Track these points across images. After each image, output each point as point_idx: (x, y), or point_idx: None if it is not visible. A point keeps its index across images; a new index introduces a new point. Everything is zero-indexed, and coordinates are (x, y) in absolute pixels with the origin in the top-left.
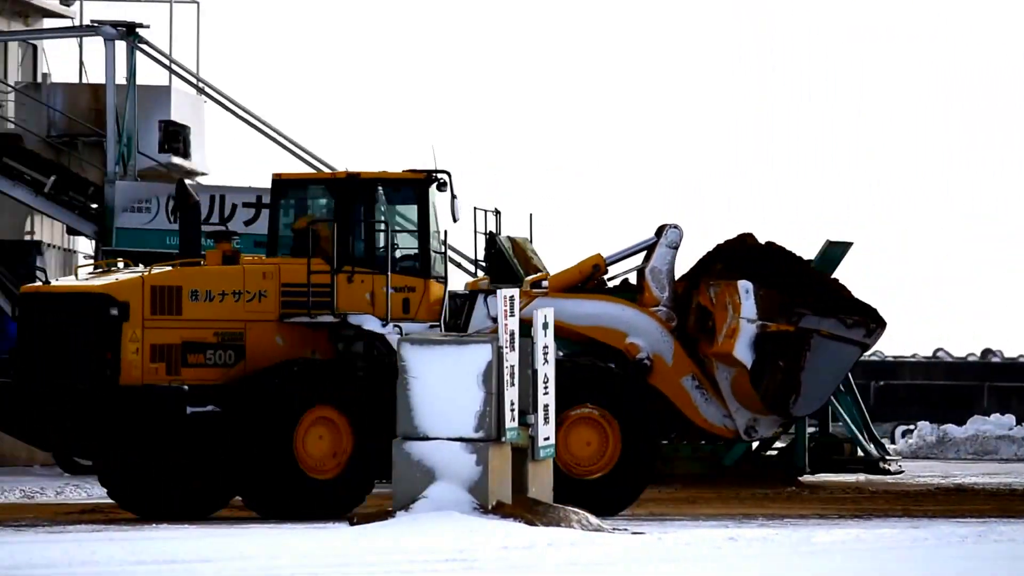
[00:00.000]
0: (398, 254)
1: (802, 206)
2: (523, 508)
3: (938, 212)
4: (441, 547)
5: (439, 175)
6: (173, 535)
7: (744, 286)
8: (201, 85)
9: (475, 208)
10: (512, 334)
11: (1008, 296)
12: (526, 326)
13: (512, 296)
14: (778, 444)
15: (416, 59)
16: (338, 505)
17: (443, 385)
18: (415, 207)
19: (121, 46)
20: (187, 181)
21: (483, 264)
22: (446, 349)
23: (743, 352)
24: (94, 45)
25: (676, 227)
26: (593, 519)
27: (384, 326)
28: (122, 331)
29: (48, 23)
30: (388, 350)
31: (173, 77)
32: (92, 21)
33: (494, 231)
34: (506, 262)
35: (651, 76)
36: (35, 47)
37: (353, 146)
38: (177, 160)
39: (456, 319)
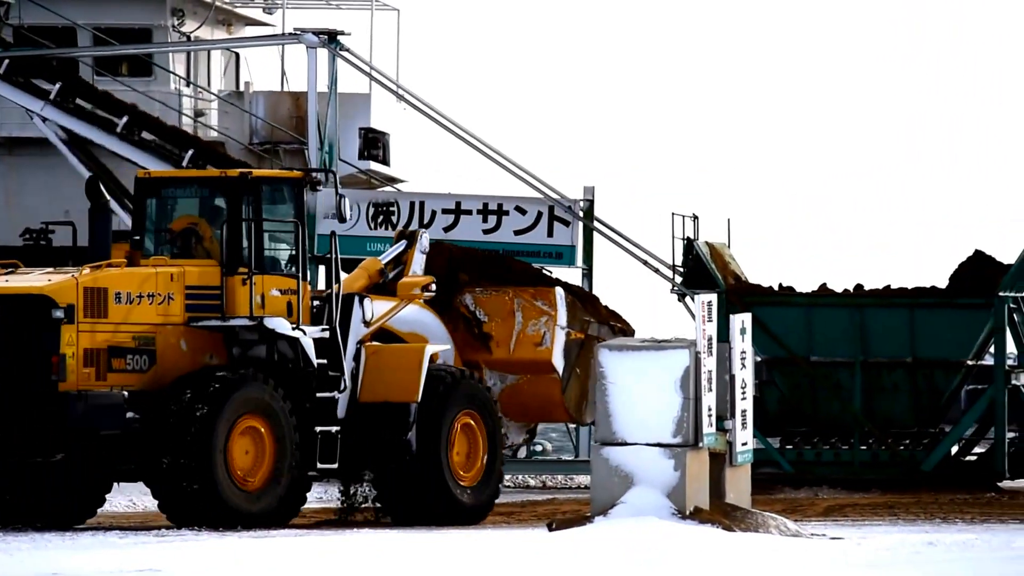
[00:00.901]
0: (283, 256)
1: (1006, 207)
2: (721, 514)
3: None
4: (639, 552)
5: (314, 176)
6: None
7: (559, 293)
8: (401, 92)
9: (673, 214)
10: (710, 339)
11: None
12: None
13: (710, 301)
14: (978, 449)
15: (612, 63)
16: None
17: (641, 391)
18: (293, 207)
19: (323, 54)
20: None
21: (681, 269)
22: (644, 355)
23: (558, 360)
24: (295, 53)
25: (426, 232)
26: (791, 525)
27: (293, 330)
28: (61, 334)
29: (250, 31)
30: (302, 356)
31: (373, 84)
32: (295, 29)
33: (692, 236)
34: (704, 267)
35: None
36: (237, 55)
37: (552, 154)
38: (377, 167)
39: (317, 322)
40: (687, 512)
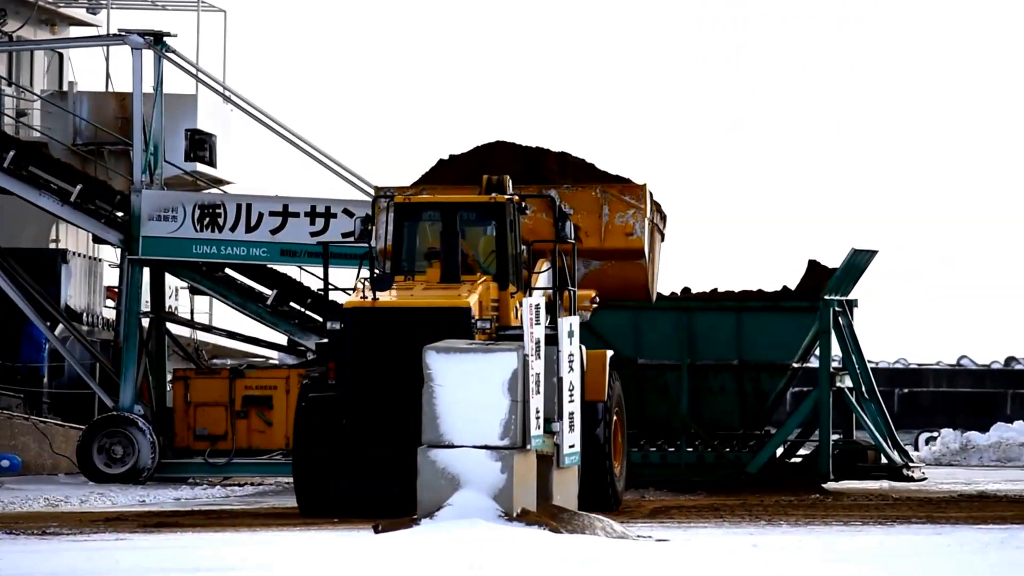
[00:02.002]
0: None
1: (827, 214)
2: (547, 516)
3: (962, 219)
4: (465, 555)
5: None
6: (197, 543)
7: (648, 189)
8: (227, 94)
9: None
10: (538, 342)
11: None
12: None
13: (538, 305)
14: (803, 451)
15: (437, 61)
16: None
17: (468, 393)
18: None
19: (148, 55)
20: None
21: None
22: (472, 357)
23: (646, 248)
24: (120, 53)
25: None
26: (617, 526)
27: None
28: None
29: (74, 31)
30: None
31: (200, 86)
32: (119, 30)
33: None
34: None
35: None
36: (61, 56)
37: (379, 155)
38: (203, 168)
39: None
40: (514, 514)
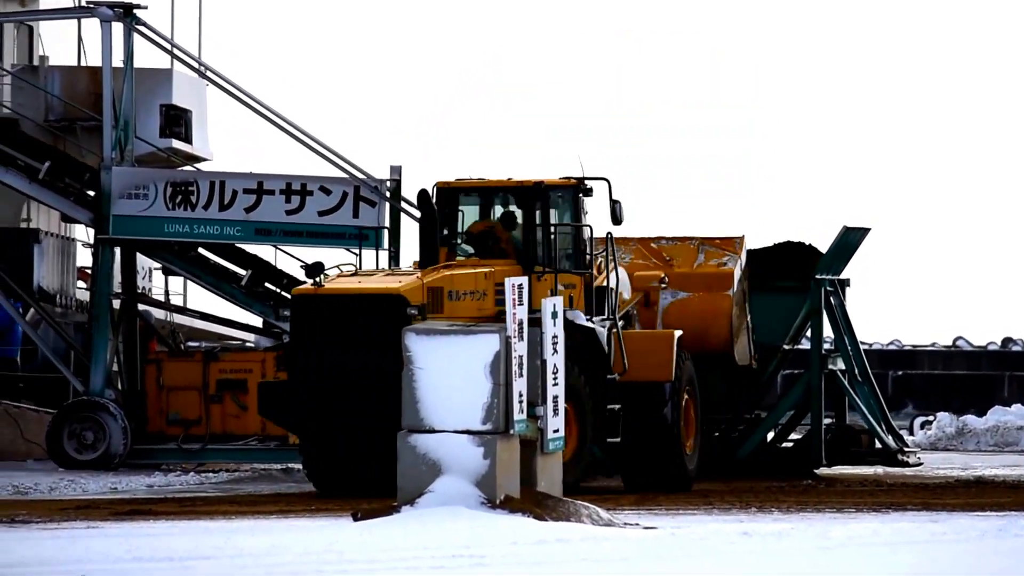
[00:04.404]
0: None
1: (819, 192)
2: (532, 502)
3: (958, 198)
4: (447, 543)
5: (587, 183)
6: (170, 531)
7: (745, 243)
8: (202, 68)
9: None
10: (520, 323)
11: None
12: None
13: (521, 284)
14: (794, 436)
15: (418, 39)
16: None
17: (450, 376)
18: (572, 211)
19: (118, 27)
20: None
21: None
22: (453, 339)
23: (735, 284)
24: (94, 27)
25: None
26: (604, 513)
27: (587, 321)
28: None
29: (45, 3)
30: (594, 343)
31: (175, 61)
32: (88, 1)
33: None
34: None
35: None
36: (31, 28)
37: (358, 133)
38: (178, 145)
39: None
40: (497, 501)
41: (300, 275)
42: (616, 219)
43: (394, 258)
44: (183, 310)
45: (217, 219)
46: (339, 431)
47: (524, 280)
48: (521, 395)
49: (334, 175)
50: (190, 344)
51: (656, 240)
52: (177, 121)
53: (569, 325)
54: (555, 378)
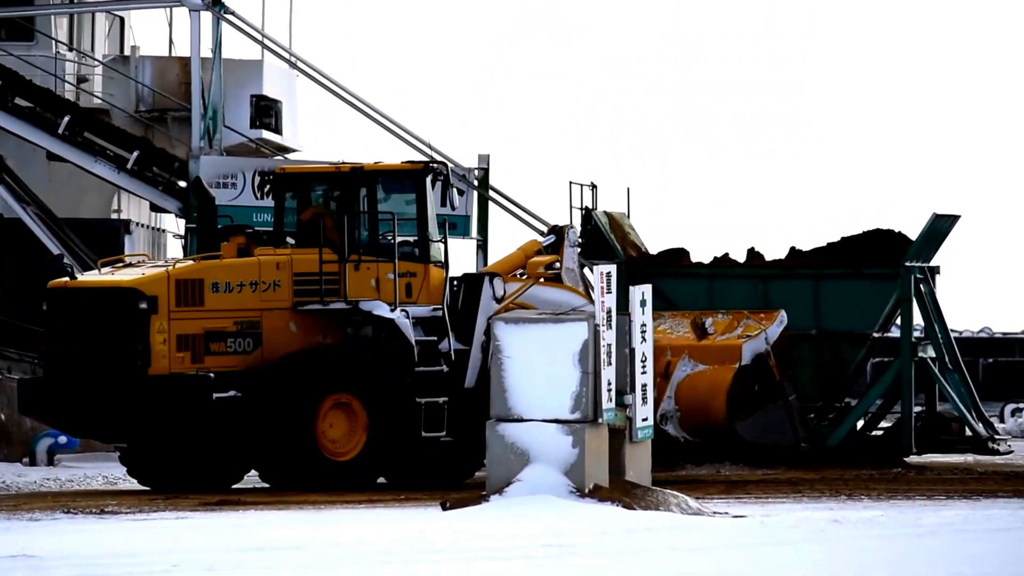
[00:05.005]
0: (399, 241)
1: (909, 179)
2: (621, 491)
3: None
4: (536, 532)
5: (434, 166)
6: (259, 521)
7: (782, 315)
8: (291, 58)
9: (571, 183)
10: (609, 312)
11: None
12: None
13: (609, 272)
14: (884, 424)
15: (508, 29)
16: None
17: (538, 365)
18: (413, 197)
19: (207, 17)
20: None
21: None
22: (541, 328)
23: (747, 354)
24: (185, 17)
25: (574, 227)
26: (692, 502)
27: (392, 311)
28: (150, 323)
29: None
30: (396, 334)
31: (266, 51)
32: None
33: (590, 206)
34: (602, 237)
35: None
36: (122, 19)
37: (448, 123)
38: (268, 135)
39: (455, 302)
40: (586, 490)
41: None
42: (451, 204)
43: (482, 246)
44: None
45: None
46: (94, 420)
47: (612, 268)
48: (610, 384)
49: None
50: None
51: (713, 313)
52: (267, 112)
53: (366, 316)
54: (643, 366)
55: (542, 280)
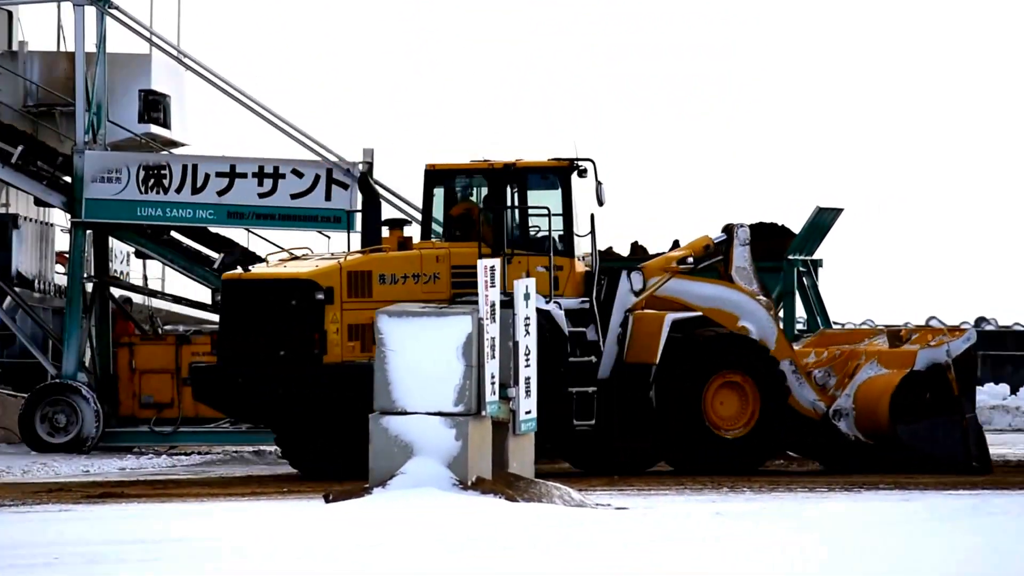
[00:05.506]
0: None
1: (793, 172)
2: (503, 484)
3: (931, 177)
4: (419, 524)
5: (581, 163)
6: (142, 514)
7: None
8: (176, 53)
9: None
10: (493, 305)
11: (1003, 264)
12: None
13: (493, 267)
14: None
15: (390, 23)
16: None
17: (422, 358)
18: (559, 193)
19: (92, 12)
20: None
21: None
22: (425, 321)
23: (920, 363)
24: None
25: (743, 225)
26: (576, 495)
27: (547, 303)
28: (325, 313)
29: None
30: (551, 325)
31: (154, 46)
32: None
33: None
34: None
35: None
36: (10, 14)
37: (333, 118)
38: (157, 130)
39: (599, 294)
40: (469, 482)
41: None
42: (599, 201)
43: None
44: (156, 293)
45: (189, 202)
46: (270, 408)
47: (496, 262)
48: (493, 377)
49: (307, 158)
50: (167, 328)
51: (903, 327)
52: (156, 106)
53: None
54: (527, 360)
55: (679, 275)
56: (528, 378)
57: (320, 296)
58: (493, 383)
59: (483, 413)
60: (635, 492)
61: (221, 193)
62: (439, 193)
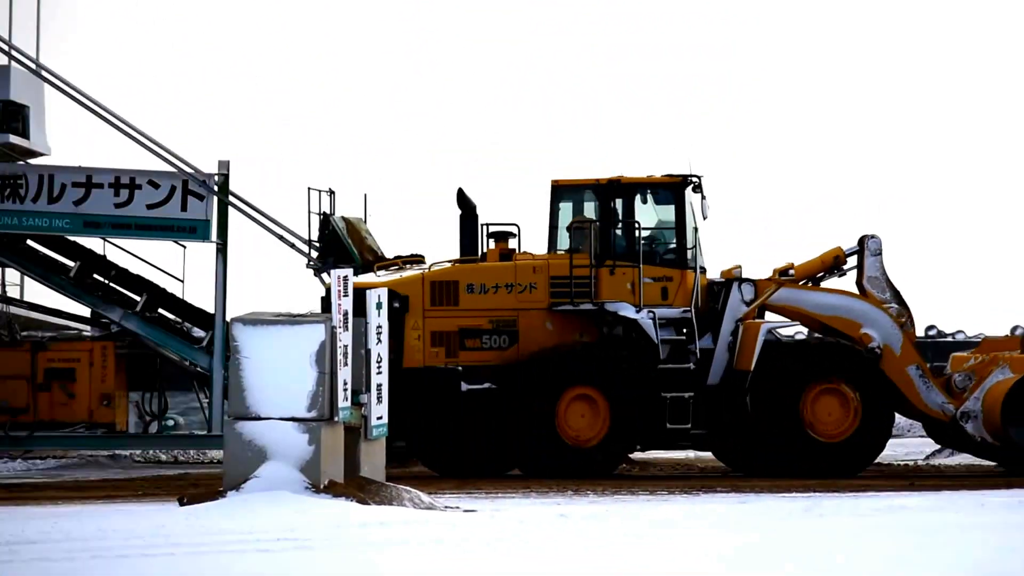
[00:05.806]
0: (658, 248)
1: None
2: (355, 487)
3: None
4: (272, 526)
5: (693, 178)
6: None
7: None
8: (34, 66)
9: (309, 188)
10: (346, 314)
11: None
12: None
13: (346, 276)
14: None
15: (246, 37)
16: (595, 469)
17: (276, 365)
18: (672, 207)
19: None
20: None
21: (316, 244)
22: (279, 329)
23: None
24: None
25: (875, 237)
26: (425, 497)
27: (638, 312)
28: (404, 320)
29: None
30: (641, 333)
31: (13, 55)
32: None
33: (328, 211)
34: (340, 242)
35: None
36: None
37: (190, 130)
38: (15, 140)
39: (714, 304)
40: (321, 486)
41: (130, 267)
42: (703, 215)
43: (221, 250)
44: (10, 301)
45: (46, 211)
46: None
47: (349, 272)
48: (346, 383)
49: (164, 169)
50: (25, 334)
51: None
52: (15, 116)
53: (611, 316)
54: (379, 367)
55: (787, 284)
56: (380, 384)
57: (396, 304)
58: (346, 389)
59: (336, 419)
60: (483, 495)
61: (78, 203)
62: (566, 208)
